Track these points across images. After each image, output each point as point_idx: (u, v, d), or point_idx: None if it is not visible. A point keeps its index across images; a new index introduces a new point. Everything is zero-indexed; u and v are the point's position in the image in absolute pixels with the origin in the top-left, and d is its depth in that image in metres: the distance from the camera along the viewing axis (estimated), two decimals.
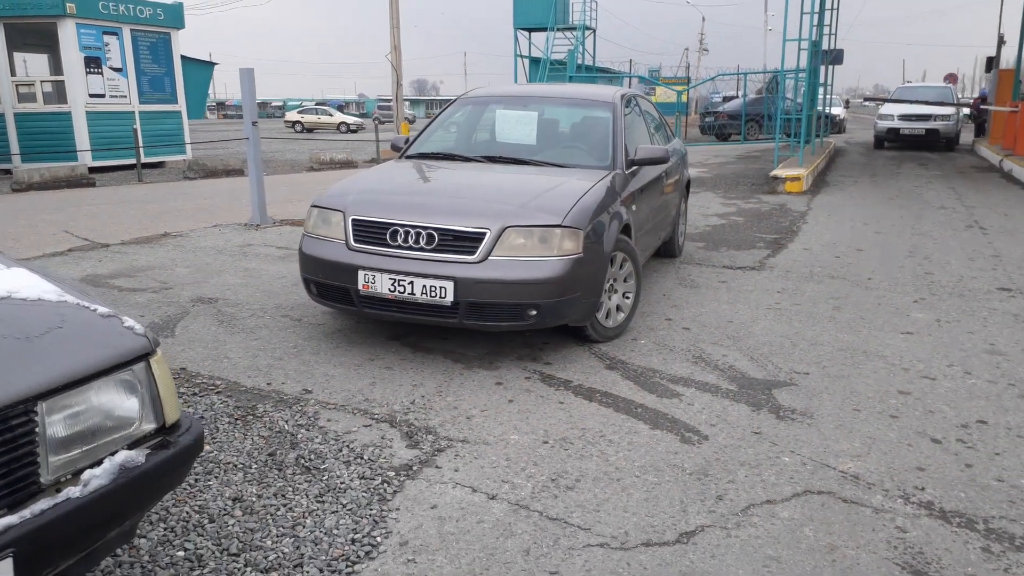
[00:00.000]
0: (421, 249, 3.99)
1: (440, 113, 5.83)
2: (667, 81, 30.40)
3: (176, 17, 16.45)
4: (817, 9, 17.69)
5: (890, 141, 19.90)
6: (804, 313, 5.35)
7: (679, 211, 6.95)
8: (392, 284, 3.96)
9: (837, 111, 28.83)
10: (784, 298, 5.76)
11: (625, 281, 4.69)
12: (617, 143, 5.10)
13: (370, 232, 4.12)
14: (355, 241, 4.14)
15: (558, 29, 28.10)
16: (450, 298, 3.89)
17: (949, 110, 19.36)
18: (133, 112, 15.71)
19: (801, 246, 7.84)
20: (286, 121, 46.53)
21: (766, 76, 28.08)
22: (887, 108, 20.16)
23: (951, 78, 37.89)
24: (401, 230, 4.03)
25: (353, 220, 4.18)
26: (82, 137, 14.80)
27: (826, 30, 17.67)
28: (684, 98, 25.76)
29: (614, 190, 4.65)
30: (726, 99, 42.50)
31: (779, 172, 11.84)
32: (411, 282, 3.93)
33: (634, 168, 5.15)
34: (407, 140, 5.59)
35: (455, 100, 5.90)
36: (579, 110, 5.64)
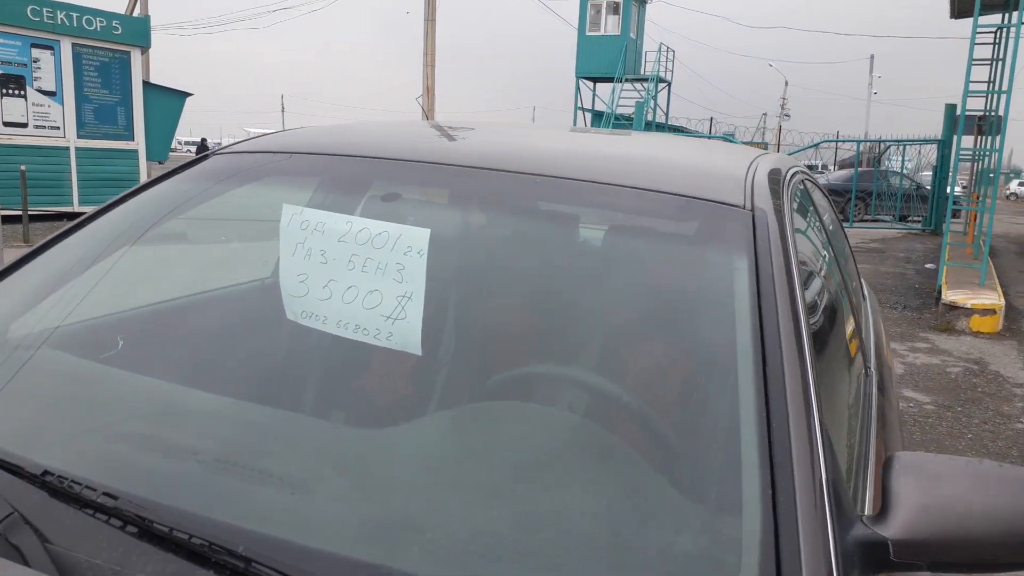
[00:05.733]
0: None
1: (127, 198, 1.70)
2: (754, 147, 26.09)
3: (139, 33, 13.04)
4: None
5: None
6: None
7: None
8: None
9: (957, 191, 23.98)
10: None
11: None
12: (792, 443, 0.91)
13: None
14: None
15: (627, 80, 24.25)
16: None
17: None
18: (67, 148, 12.23)
19: None
20: None
21: (875, 146, 23.57)
22: None
23: None
24: None
25: None
26: None
27: (983, 88, 13.25)
28: None
29: None
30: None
31: (957, 298, 7.40)
32: None
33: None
34: None
35: (189, 164, 1.78)
36: (579, 231, 1.46)
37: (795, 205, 1.45)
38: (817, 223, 1.75)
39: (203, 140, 29.33)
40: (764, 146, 32.03)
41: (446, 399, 1.27)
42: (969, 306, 7.21)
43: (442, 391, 1.28)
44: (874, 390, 1.67)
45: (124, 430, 1.14)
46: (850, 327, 1.70)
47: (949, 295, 7.48)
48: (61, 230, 1.60)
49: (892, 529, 0.89)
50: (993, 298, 7.39)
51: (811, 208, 1.74)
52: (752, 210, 1.25)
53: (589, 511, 0.95)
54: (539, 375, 1.25)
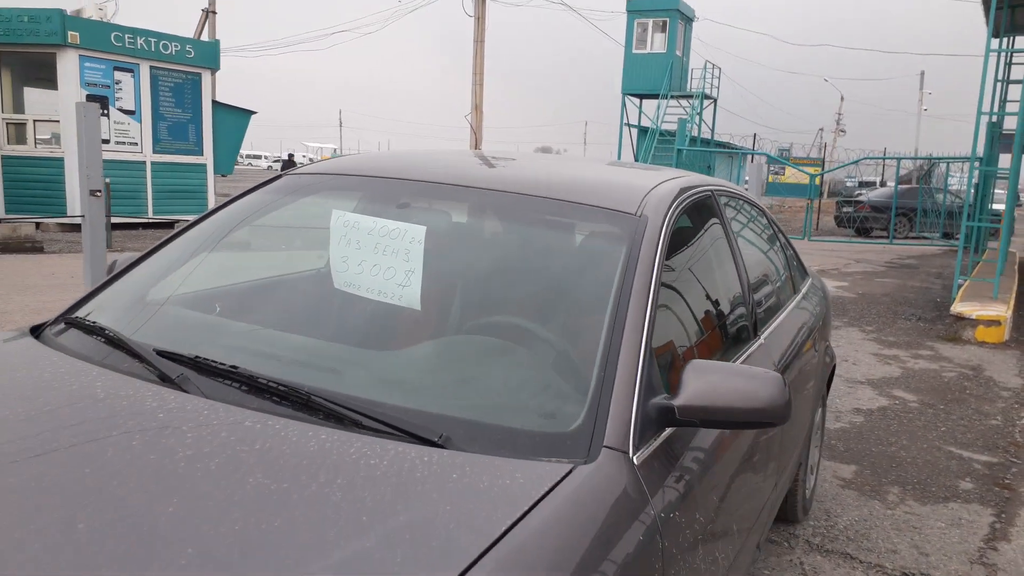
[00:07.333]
0: None
1: (225, 206, 2.42)
2: (798, 162, 26.24)
3: (210, 56, 14.14)
4: (1002, 77, 13.65)
5: None
6: None
7: (811, 431, 3.26)
8: None
9: (1001, 208, 23.70)
10: None
11: None
12: (621, 349, 1.56)
13: None
14: None
15: (673, 96, 24.74)
16: None
17: None
18: (144, 162, 13.34)
19: None
20: None
21: (919, 163, 23.58)
22: None
23: None
24: None
25: None
26: (73, 187, 12.43)
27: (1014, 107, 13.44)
28: (818, 181, 21.67)
29: None
30: (863, 185, 37.37)
31: (964, 309, 7.79)
32: None
33: (668, 437, 1.60)
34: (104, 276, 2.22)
35: (268, 181, 2.50)
36: (528, 229, 2.09)
37: (683, 213, 2.07)
38: (714, 227, 2.37)
39: (290, 155, 30.70)
40: (820, 161, 31.96)
41: (432, 336, 1.93)
42: (974, 317, 7.61)
43: (431, 331, 1.94)
44: (754, 350, 2.27)
45: (230, 342, 1.84)
46: (733, 303, 2.31)
47: (957, 307, 7.88)
48: (180, 229, 2.32)
49: (679, 400, 1.52)
50: (1000, 310, 7.76)
51: (709, 215, 2.36)
52: (639, 216, 1.89)
53: (504, 376, 1.65)
54: (489, 322, 1.91)
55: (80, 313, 2.00)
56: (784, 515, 3.33)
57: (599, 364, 1.55)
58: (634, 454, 1.46)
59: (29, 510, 1.17)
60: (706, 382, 1.53)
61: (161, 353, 1.66)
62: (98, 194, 4.95)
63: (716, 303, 2.21)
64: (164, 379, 1.59)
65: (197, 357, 1.61)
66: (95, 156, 4.88)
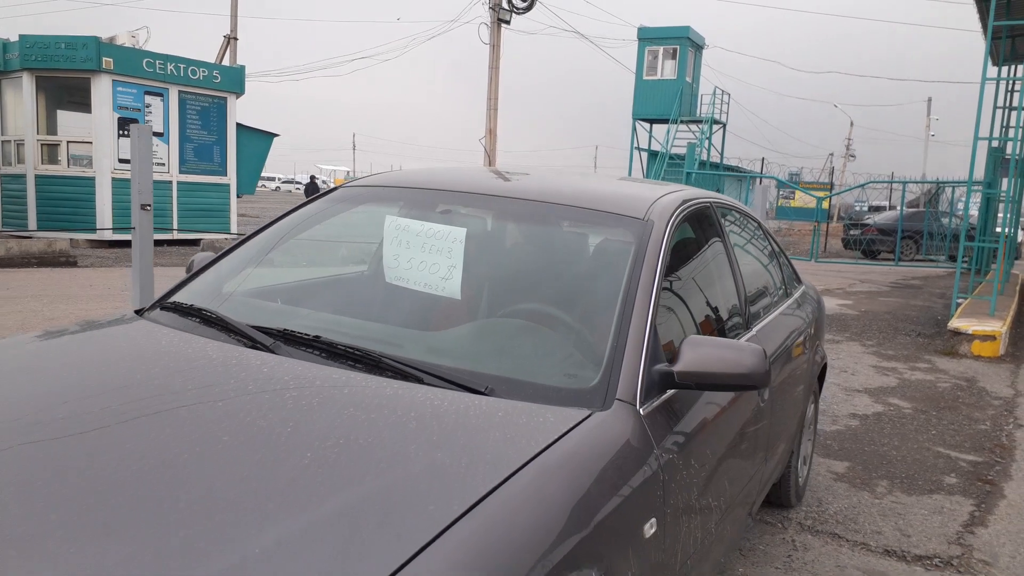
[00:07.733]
0: None
1: (290, 213, 2.81)
2: (807, 186, 26.61)
3: (235, 81, 14.69)
4: (1003, 104, 14.02)
5: None
6: None
7: (802, 423, 3.60)
8: None
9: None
10: None
11: None
12: (630, 328, 1.93)
13: None
14: None
15: (682, 121, 25.23)
16: None
17: None
18: (170, 182, 13.84)
19: None
20: None
21: (926, 187, 23.93)
22: None
23: None
24: None
25: None
26: (104, 206, 12.95)
27: (1018, 133, 13.80)
28: (826, 205, 22.02)
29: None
30: (872, 209, 37.75)
31: (961, 324, 8.11)
32: None
33: (670, 396, 1.97)
34: (191, 267, 2.62)
35: (325, 192, 2.90)
36: (551, 231, 2.49)
37: (685, 220, 2.45)
38: (712, 233, 2.74)
39: (312, 178, 31.90)
40: (830, 186, 32.36)
41: (473, 319, 2.30)
42: (971, 332, 7.92)
43: (472, 316, 2.31)
44: (750, 334, 2.64)
45: (307, 323, 2.22)
46: (727, 298, 2.68)
47: (955, 322, 8.20)
48: (251, 232, 2.71)
49: (677, 367, 1.89)
50: (996, 326, 8.07)
51: (708, 223, 2.74)
52: (646, 220, 2.27)
53: (536, 347, 2.02)
54: (521, 307, 2.28)
55: (175, 299, 2.38)
56: (779, 500, 3.67)
57: (612, 337, 1.92)
58: (640, 406, 1.82)
59: (191, 431, 1.55)
60: (700, 352, 1.89)
61: (253, 327, 2.04)
62: (148, 207, 5.36)
63: (712, 297, 2.58)
64: (257, 347, 1.97)
65: (285, 329, 2.00)
66: (147, 172, 5.29)
